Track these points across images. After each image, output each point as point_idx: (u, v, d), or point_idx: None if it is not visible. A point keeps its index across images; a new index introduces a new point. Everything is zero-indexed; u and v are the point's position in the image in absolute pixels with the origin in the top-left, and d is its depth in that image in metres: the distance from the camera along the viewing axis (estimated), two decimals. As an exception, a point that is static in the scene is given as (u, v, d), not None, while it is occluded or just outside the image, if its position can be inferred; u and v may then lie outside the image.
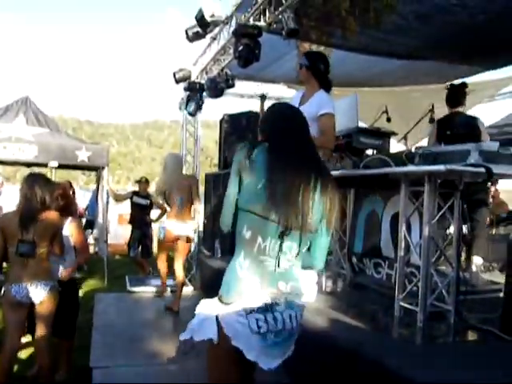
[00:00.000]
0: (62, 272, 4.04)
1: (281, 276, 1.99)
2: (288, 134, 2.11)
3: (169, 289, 6.79)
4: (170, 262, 6.42)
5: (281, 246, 1.96)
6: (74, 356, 4.39)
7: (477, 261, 4.62)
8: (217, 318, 2.01)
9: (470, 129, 4.77)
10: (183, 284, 6.26)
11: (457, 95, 5.03)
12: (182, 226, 5.93)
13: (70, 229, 4.15)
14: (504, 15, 4.80)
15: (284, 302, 1.99)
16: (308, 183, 1.97)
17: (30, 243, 3.53)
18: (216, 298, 2.08)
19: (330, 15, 5.30)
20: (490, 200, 8.70)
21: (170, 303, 6.06)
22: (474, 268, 4.69)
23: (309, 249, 2.09)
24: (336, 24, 5.51)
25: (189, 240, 6.19)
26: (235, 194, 2.03)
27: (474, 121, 4.90)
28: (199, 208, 7.26)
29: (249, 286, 1.97)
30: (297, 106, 4.23)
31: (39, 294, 3.58)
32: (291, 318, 2.01)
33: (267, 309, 1.96)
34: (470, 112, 9.21)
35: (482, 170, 3.00)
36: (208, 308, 2.07)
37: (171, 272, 6.37)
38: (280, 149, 2.03)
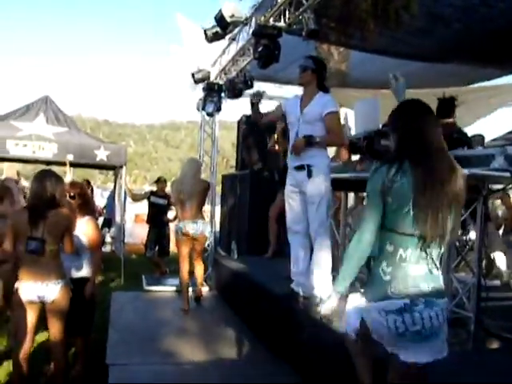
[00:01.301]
0: (88, 285, 4.06)
1: (422, 278, 2.09)
2: (426, 142, 2.15)
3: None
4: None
5: (421, 253, 2.09)
6: (90, 353, 4.39)
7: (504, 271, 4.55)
8: (361, 312, 2.23)
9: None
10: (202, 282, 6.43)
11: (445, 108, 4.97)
12: (197, 226, 6.03)
13: (86, 227, 4.17)
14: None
15: (423, 302, 2.05)
16: (449, 198, 2.08)
17: (40, 240, 3.46)
18: (362, 296, 2.26)
19: (350, 16, 5.27)
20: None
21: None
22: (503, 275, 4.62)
23: None
24: (355, 25, 5.48)
25: (205, 239, 6.29)
26: (378, 217, 2.13)
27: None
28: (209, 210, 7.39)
29: (390, 288, 2.09)
30: (297, 109, 4.26)
31: (50, 293, 3.52)
32: (431, 317, 2.05)
33: (406, 309, 2.05)
34: (494, 114, 9.08)
35: (508, 174, 2.94)
36: (355, 303, 2.30)
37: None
38: (422, 167, 2.08)
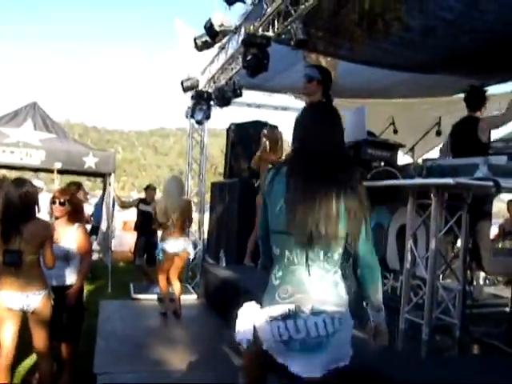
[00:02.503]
0: (72, 289, 4.05)
1: (313, 283, 1.99)
2: (307, 144, 2.12)
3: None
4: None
5: (307, 254, 1.98)
6: (78, 361, 4.37)
7: (480, 274, 4.60)
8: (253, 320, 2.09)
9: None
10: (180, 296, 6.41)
11: (475, 99, 4.68)
12: (178, 244, 6.09)
13: (76, 234, 4.16)
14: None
15: (310, 309, 1.94)
16: (327, 192, 1.97)
17: (16, 252, 3.37)
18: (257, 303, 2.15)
19: (339, 27, 5.31)
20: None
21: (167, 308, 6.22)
22: (480, 282, 4.68)
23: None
24: (344, 36, 5.53)
25: (187, 255, 6.40)
26: (264, 220, 2.15)
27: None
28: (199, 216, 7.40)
29: (278, 293, 2.00)
30: None
31: (32, 304, 3.46)
32: (317, 326, 1.93)
33: (290, 316, 1.94)
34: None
35: (491, 183, 3.00)
36: (249, 311, 2.14)
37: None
38: (296, 169, 2.07)
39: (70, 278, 4.14)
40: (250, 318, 2.07)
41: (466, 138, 4.35)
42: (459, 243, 3.70)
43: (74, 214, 4.26)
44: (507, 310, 3.63)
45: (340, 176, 2.02)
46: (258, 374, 2.30)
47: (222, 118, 9.26)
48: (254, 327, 2.05)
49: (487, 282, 6.16)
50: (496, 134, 9.27)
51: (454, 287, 3.66)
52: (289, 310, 1.94)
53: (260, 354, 2.06)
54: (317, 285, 1.98)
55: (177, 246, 6.07)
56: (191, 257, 7.48)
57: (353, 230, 2.01)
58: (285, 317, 1.94)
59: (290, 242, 1.99)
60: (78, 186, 6.39)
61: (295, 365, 1.96)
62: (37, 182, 8.13)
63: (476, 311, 3.89)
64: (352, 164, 2.17)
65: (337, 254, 2.03)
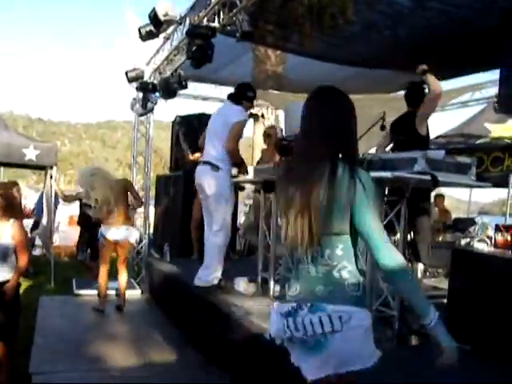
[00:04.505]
0: (8, 285, 3.92)
1: (318, 281, 1.91)
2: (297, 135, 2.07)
3: (113, 292, 6.67)
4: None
5: (309, 252, 1.92)
6: (15, 362, 4.20)
7: (419, 267, 4.70)
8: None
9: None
10: (125, 290, 6.32)
11: (415, 95, 4.78)
12: (120, 232, 5.95)
13: (12, 230, 4.01)
14: (455, 26, 4.92)
15: (309, 306, 1.86)
16: (310, 185, 1.87)
17: None
18: None
19: (287, 20, 5.29)
20: (436, 209, 8.97)
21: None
22: (418, 274, 4.78)
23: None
24: (293, 29, 5.52)
25: (130, 246, 6.25)
26: None
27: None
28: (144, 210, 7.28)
29: (289, 289, 1.99)
30: None
31: None
32: (313, 324, 1.82)
33: (291, 313, 1.90)
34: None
35: (428, 177, 3.05)
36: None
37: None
38: (285, 167, 2.07)
39: (5, 274, 3.98)
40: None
41: (407, 133, 4.44)
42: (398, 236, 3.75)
43: (9, 209, 4.10)
44: (445, 301, 3.71)
45: (328, 165, 1.88)
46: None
47: (173, 111, 9.14)
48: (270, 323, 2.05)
49: (427, 274, 6.33)
50: (439, 131, 9.60)
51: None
52: (291, 308, 1.91)
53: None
54: (320, 282, 1.90)
55: (118, 234, 5.91)
56: (136, 248, 7.37)
57: (356, 223, 1.86)
58: (288, 314, 1.91)
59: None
60: (14, 183, 6.21)
61: (302, 365, 1.92)
62: None
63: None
64: (349, 150, 1.98)
65: (339, 249, 1.90)
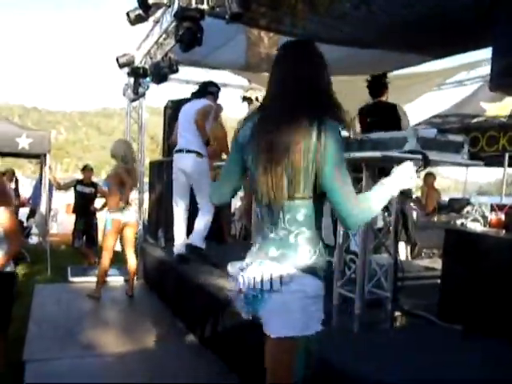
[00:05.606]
0: None
1: (274, 243, 1.88)
2: (270, 86, 1.97)
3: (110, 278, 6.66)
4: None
5: (270, 214, 1.88)
6: (9, 349, 4.14)
7: (401, 248, 4.73)
8: None
9: (388, 115, 4.98)
10: (135, 273, 6.31)
11: (377, 86, 5.27)
12: (130, 213, 6.00)
13: (1, 218, 3.97)
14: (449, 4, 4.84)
15: (258, 262, 1.86)
16: (284, 141, 1.78)
17: None
18: None
19: (279, 2, 5.20)
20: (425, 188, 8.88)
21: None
22: (408, 255, 4.79)
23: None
24: (286, 11, 5.42)
25: (137, 225, 6.39)
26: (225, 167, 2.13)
27: (392, 108, 5.08)
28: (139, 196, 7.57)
29: (251, 249, 2.00)
30: None
31: None
32: (255, 278, 1.82)
33: (242, 269, 1.92)
34: (419, 100, 9.41)
35: (419, 156, 2.99)
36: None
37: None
38: (260, 116, 1.93)
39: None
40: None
41: (380, 115, 4.60)
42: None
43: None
44: (438, 281, 3.69)
45: (304, 119, 1.77)
46: None
47: (167, 96, 9.02)
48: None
49: (423, 254, 6.33)
50: (435, 110, 9.52)
51: (385, 261, 3.68)
52: (245, 264, 1.92)
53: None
54: (274, 244, 1.87)
55: (129, 215, 5.95)
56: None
57: (325, 186, 1.78)
58: (241, 269, 1.93)
59: (257, 199, 1.93)
60: (3, 173, 6.16)
61: (263, 321, 1.89)
62: None
63: (409, 283, 3.95)
64: (327, 104, 1.87)
65: (301, 214, 1.83)
